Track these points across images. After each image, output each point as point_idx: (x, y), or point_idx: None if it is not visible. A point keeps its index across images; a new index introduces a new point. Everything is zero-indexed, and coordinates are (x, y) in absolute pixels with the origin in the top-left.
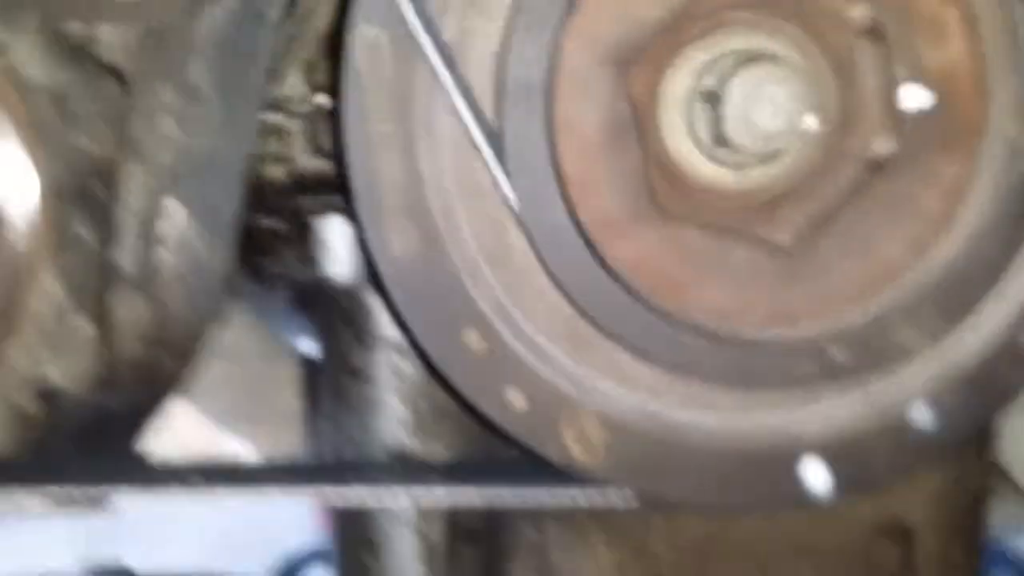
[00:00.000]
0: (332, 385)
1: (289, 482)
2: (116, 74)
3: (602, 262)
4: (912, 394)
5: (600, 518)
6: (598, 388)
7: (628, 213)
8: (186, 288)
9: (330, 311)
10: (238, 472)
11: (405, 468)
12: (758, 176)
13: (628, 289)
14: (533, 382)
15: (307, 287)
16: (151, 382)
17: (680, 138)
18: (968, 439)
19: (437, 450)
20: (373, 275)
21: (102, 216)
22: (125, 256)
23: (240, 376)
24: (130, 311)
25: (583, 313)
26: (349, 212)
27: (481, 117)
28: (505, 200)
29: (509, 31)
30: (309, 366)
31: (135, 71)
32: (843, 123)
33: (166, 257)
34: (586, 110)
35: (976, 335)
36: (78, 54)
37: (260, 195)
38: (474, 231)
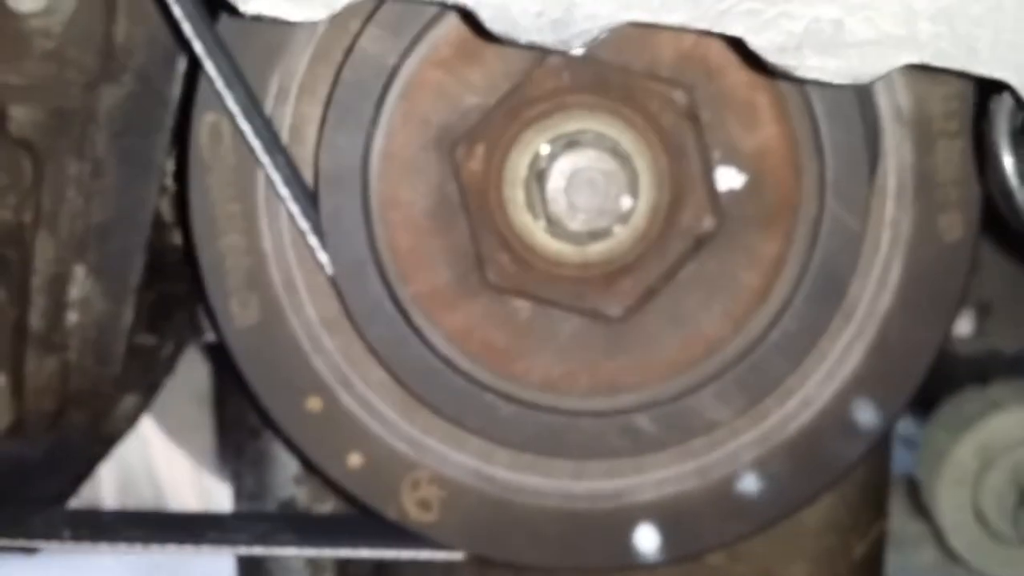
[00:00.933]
0: (231, 440)
1: (184, 537)
2: (28, 148)
3: (419, 334)
4: (741, 463)
5: (482, 567)
6: (433, 449)
7: (459, 286)
8: (91, 346)
9: (226, 371)
10: (130, 525)
11: (271, 526)
12: (597, 250)
13: (445, 360)
14: (371, 443)
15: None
16: (61, 433)
17: (523, 215)
18: (797, 505)
19: (325, 501)
20: (221, 346)
21: (15, 280)
22: (35, 316)
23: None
24: (39, 366)
25: (400, 382)
26: (197, 287)
27: (305, 195)
28: (322, 270)
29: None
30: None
31: (44, 146)
32: (675, 201)
33: (73, 318)
34: (414, 189)
35: (803, 406)
36: None
37: (163, 261)
38: (313, 301)
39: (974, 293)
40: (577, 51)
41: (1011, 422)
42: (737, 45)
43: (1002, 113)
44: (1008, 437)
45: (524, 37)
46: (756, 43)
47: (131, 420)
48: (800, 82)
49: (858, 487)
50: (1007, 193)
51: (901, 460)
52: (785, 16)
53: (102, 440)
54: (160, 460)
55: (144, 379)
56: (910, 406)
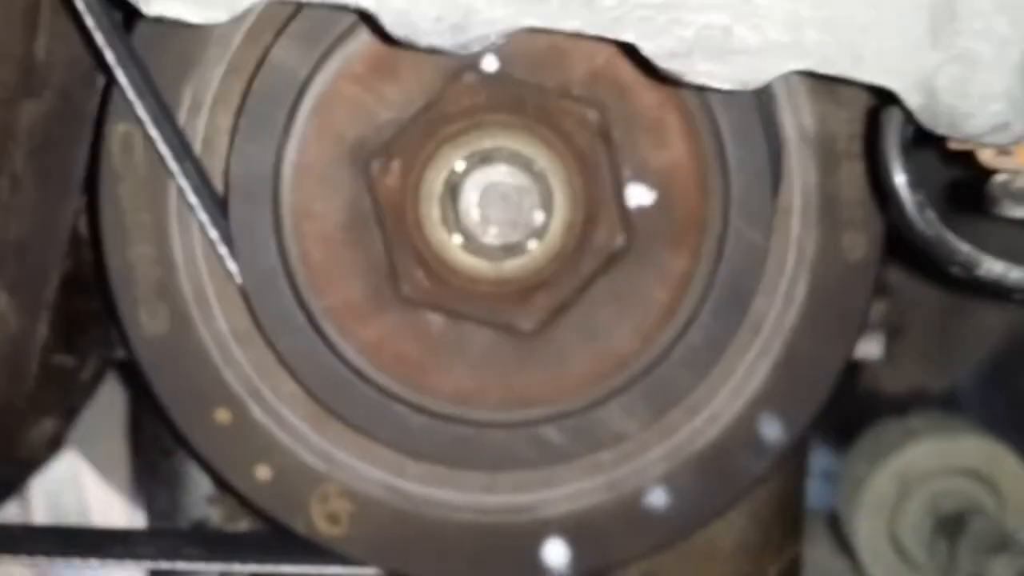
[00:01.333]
0: (144, 460)
1: (89, 552)
2: None
3: (331, 346)
4: (649, 477)
5: None
6: (343, 462)
7: (372, 299)
8: (4, 363)
9: (142, 391)
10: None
11: (180, 540)
12: (512, 266)
13: (356, 372)
14: (280, 456)
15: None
16: None
17: (439, 231)
18: (701, 522)
19: (239, 521)
20: (128, 356)
21: None
22: None
23: None
24: None
25: (311, 394)
26: (105, 297)
27: (215, 204)
28: (232, 279)
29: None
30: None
31: None
32: (588, 218)
33: None
34: (327, 202)
35: (711, 421)
36: None
37: (79, 277)
38: (224, 312)
39: (886, 318)
40: (488, 64)
41: (928, 452)
42: (632, 52)
43: (892, 125)
44: (925, 467)
45: (424, 40)
46: (648, 49)
47: (50, 444)
48: (690, 87)
49: (771, 508)
50: (899, 205)
51: (824, 495)
52: (676, 23)
53: (20, 462)
54: (90, 489)
55: (63, 402)
56: (831, 440)
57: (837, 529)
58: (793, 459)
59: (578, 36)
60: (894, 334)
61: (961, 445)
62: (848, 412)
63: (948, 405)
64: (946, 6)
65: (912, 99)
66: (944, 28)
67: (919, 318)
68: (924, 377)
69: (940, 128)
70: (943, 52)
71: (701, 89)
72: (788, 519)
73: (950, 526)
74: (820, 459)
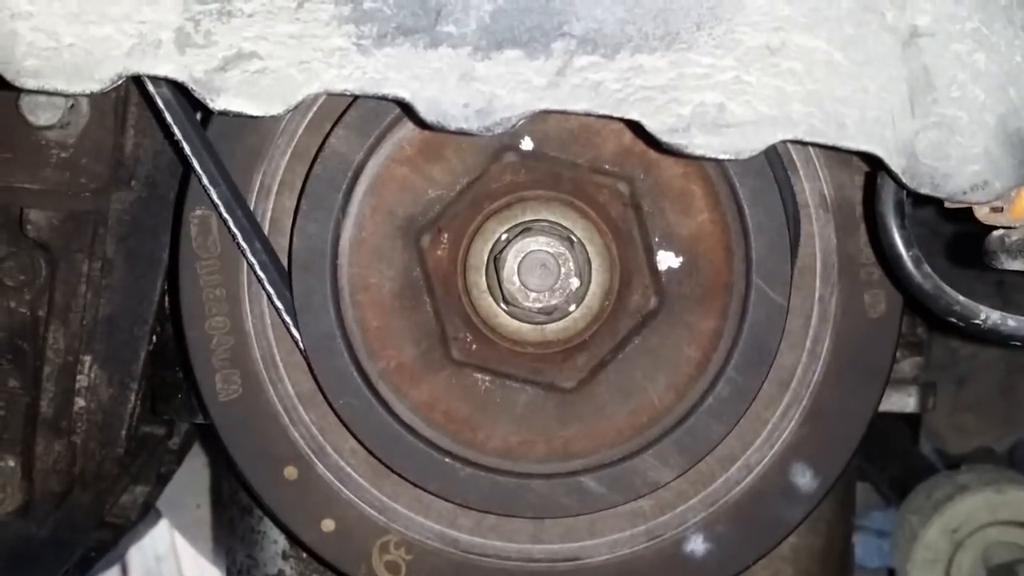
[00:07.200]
0: (225, 519)
1: None
2: (44, 249)
3: (385, 405)
4: (688, 526)
5: None
6: (400, 513)
7: (423, 361)
8: (96, 430)
9: (220, 453)
10: None
11: None
12: (554, 329)
13: (409, 429)
14: (343, 509)
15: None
16: (67, 513)
17: (485, 298)
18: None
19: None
20: (206, 420)
21: (29, 369)
22: (45, 403)
23: None
24: (48, 450)
25: (367, 450)
26: (184, 367)
27: (281, 278)
28: (296, 345)
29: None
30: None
31: (59, 246)
32: (623, 283)
33: (80, 403)
34: (381, 273)
35: (745, 471)
36: (12, 233)
37: (164, 351)
38: (291, 376)
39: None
40: (526, 144)
41: (978, 504)
42: (638, 128)
43: (887, 187)
44: (976, 519)
45: (453, 125)
46: (651, 125)
47: (141, 509)
48: (690, 158)
49: (818, 562)
50: (897, 259)
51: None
52: (675, 102)
53: (110, 525)
54: (185, 561)
55: (153, 469)
56: (886, 497)
57: None
58: (839, 513)
59: (588, 116)
60: (956, 391)
61: (1010, 497)
62: (909, 472)
63: (1009, 462)
64: (923, 77)
65: (895, 162)
66: (922, 97)
67: (981, 377)
68: (986, 435)
69: (923, 188)
70: (922, 119)
71: (718, 160)
72: (835, 573)
73: None
74: (884, 519)
